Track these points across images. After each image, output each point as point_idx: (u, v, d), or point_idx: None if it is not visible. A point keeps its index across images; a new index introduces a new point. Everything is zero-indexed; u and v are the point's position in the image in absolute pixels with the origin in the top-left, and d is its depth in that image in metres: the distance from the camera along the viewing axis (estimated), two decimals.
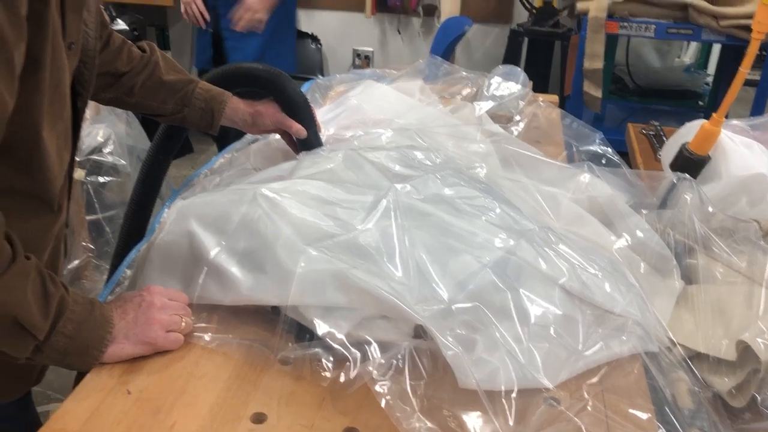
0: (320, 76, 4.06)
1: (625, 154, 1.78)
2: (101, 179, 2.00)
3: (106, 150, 1.97)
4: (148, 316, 0.83)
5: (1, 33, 0.68)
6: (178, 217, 0.95)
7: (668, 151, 1.50)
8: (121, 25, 2.60)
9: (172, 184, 1.31)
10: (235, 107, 1.22)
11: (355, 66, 4.09)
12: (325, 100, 1.53)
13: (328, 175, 0.99)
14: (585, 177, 1.13)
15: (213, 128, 1.22)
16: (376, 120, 1.36)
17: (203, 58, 2.83)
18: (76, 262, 1.97)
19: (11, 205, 0.79)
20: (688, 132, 1.45)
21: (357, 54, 4.07)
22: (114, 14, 2.73)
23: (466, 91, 1.50)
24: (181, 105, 1.19)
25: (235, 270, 0.85)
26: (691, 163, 1.38)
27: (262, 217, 0.86)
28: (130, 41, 1.20)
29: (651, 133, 1.95)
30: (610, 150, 1.26)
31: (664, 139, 1.85)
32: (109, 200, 2.05)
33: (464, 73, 1.52)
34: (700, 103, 3.66)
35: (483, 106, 1.40)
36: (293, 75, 3.31)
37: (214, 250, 0.87)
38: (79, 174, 1.94)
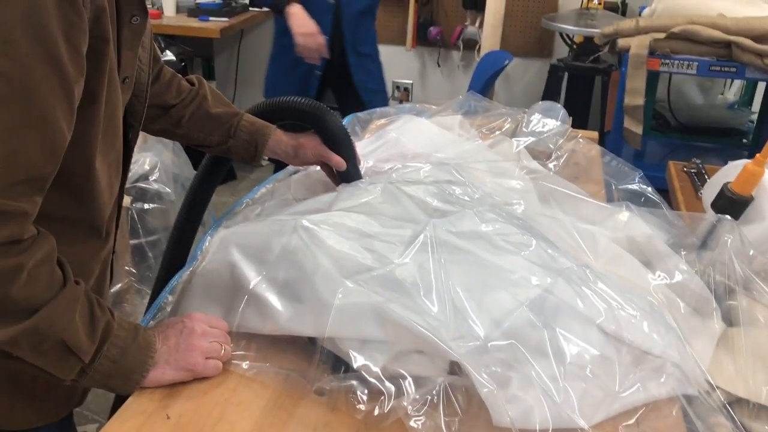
0: (360, 107, 4.11)
1: (665, 192, 1.76)
2: (146, 206, 2.06)
3: (152, 177, 2.03)
4: (188, 343, 0.85)
5: (63, 69, 0.72)
6: (219, 245, 0.98)
7: (710, 190, 1.48)
8: (169, 56, 2.69)
9: (213, 212, 1.34)
10: (278, 139, 1.26)
11: (394, 98, 4.13)
12: (365, 133, 1.55)
13: (366, 208, 1.01)
14: (624, 215, 1.13)
15: (256, 160, 1.26)
16: (415, 153, 1.38)
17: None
18: (119, 285, 2.02)
19: (62, 230, 0.83)
20: (731, 171, 1.43)
21: (397, 86, 4.12)
22: (163, 46, 2.82)
23: (505, 127, 1.51)
24: (226, 137, 1.22)
25: (274, 300, 0.86)
26: (732, 204, 1.36)
27: (302, 248, 0.88)
28: (179, 75, 1.24)
29: (692, 171, 1.92)
30: (649, 189, 1.25)
31: (706, 177, 1.82)
32: (152, 225, 2.11)
33: (503, 109, 1.53)
34: (744, 141, 3.60)
35: (522, 142, 1.41)
36: (334, 107, 3.37)
37: (254, 280, 0.89)
38: (125, 200, 2.00)
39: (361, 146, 1.42)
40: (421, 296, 0.82)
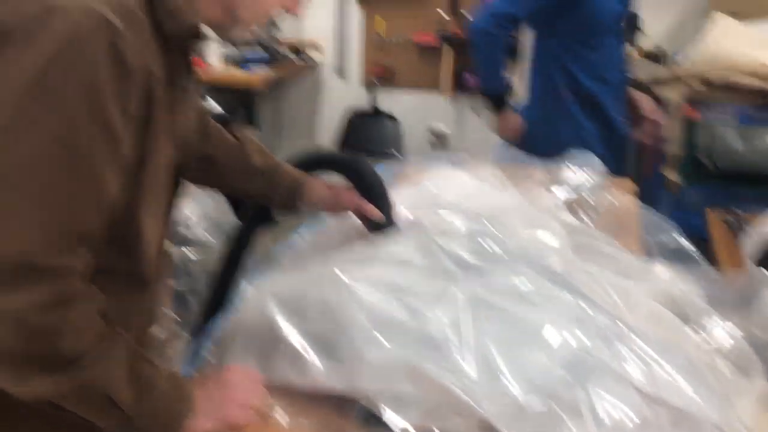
0: (395, 152, 4.14)
1: (705, 241, 1.74)
2: (187, 252, 2.11)
3: (194, 224, 2.08)
4: (226, 395, 0.87)
5: (113, 130, 0.75)
6: (257, 296, 1.00)
7: (751, 241, 1.46)
8: (214, 105, 2.77)
9: (252, 258, 1.38)
10: (316, 190, 1.29)
11: (430, 143, 4.18)
12: (400, 182, 1.58)
13: (400, 260, 1.02)
14: (661, 270, 1.12)
15: (295, 209, 1.29)
16: (450, 203, 1.39)
17: None
18: (159, 330, 2.05)
19: (108, 282, 0.85)
20: None
21: (433, 132, 4.17)
22: (207, 96, 2.92)
23: (539, 178, 1.52)
24: (266, 187, 1.26)
25: (309, 354, 0.88)
26: None
27: (337, 301, 0.90)
28: (223, 127, 1.29)
29: (732, 220, 1.90)
30: (685, 241, 1.24)
31: (747, 227, 1.80)
32: (193, 271, 2.15)
33: (537, 159, 1.54)
34: None
35: (556, 193, 1.41)
36: (372, 153, 3.39)
37: (290, 333, 0.90)
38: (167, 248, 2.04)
39: (396, 195, 1.45)
40: (453, 353, 0.82)
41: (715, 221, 1.92)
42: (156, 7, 0.83)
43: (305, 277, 0.99)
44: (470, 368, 0.81)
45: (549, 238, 1.19)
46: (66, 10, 0.71)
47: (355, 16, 4.05)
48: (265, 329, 0.94)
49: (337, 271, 0.95)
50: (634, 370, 0.85)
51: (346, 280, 0.93)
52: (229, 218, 2.22)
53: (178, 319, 2.10)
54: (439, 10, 3.84)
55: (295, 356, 0.89)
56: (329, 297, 0.92)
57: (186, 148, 1.01)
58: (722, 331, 1.03)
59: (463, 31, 3.81)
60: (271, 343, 0.93)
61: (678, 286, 1.09)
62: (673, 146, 2.81)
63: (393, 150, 4.17)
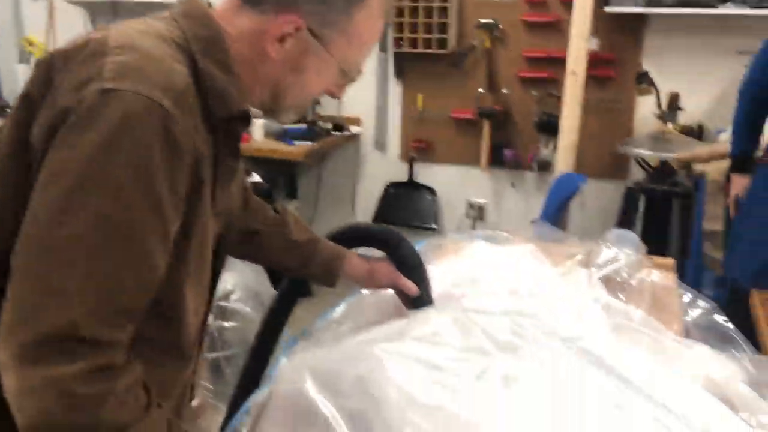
0: (433, 224, 4.16)
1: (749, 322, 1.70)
2: (226, 324, 2.14)
3: (233, 297, 2.12)
4: None
5: (163, 212, 0.79)
6: (294, 370, 1.01)
7: None
8: (255, 178, 2.85)
9: (289, 331, 1.40)
10: (354, 264, 1.31)
11: (468, 216, 4.20)
12: (437, 259, 1.59)
13: (437, 338, 1.03)
14: (702, 352, 1.10)
15: (332, 284, 1.31)
16: (486, 280, 1.40)
17: None
18: (195, 401, 2.06)
19: (149, 353, 0.87)
20: None
21: (471, 205, 4.19)
22: (249, 168, 3.01)
23: (577, 256, 1.52)
24: (305, 262, 1.29)
25: (344, 431, 0.88)
26: None
27: (373, 379, 0.90)
28: (264, 202, 1.33)
29: None
30: (727, 323, 1.22)
31: None
32: (230, 342, 2.17)
33: (575, 238, 1.55)
34: None
35: (594, 272, 1.41)
36: (409, 225, 3.41)
37: (326, 409, 0.91)
38: None
39: (433, 271, 1.46)
40: None
41: (759, 301, 1.87)
42: (206, 90, 0.88)
43: (341, 353, 1.00)
44: None
45: (586, 318, 1.18)
46: (120, 94, 0.76)
47: (396, 92, 4.17)
48: (300, 404, 0.95)
49: (374, 348, 0.96)
50: None
51: (382, 358, 0.94)
52: (267, 289, 2.26)
53: (214, 390, 2.11)
54: (479, 89, 3.93)
55: None
56: (365, 374, 0.92)
57: (228, 221, 1.05)
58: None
59: (501, 105, 3.89)
60: (305, 417, 0.93)
61: (719, 369, 1.07)
62: (716, 224, 2.77)
63: (431, 222, 4.20)
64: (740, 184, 2.40)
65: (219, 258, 1.06)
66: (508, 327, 1.05)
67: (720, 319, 1.24)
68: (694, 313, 1.27)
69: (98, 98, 0.76)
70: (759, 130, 2.41)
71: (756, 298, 1.90)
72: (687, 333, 1.25)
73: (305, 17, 0.92)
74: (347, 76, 1.01)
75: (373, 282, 1.32)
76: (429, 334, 1.05)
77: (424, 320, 1.11)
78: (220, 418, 1.65)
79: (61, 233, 0.74)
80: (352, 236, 1.37)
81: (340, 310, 1.41)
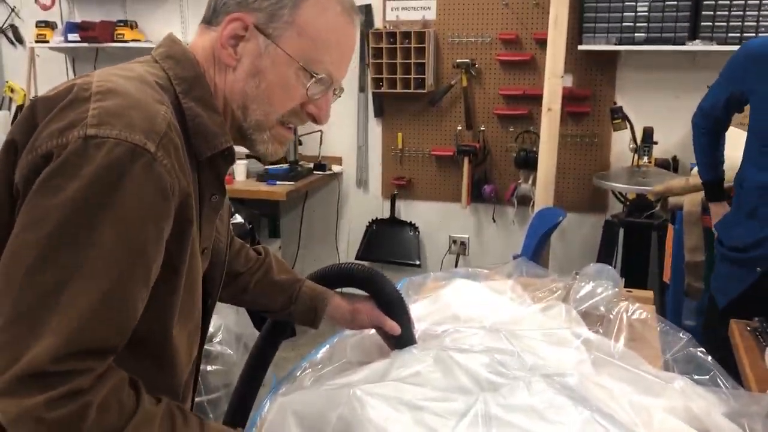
0: (418, 262, 4.17)
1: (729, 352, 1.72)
2: (209, 367, 2.12)
3: (216, 339, 2.11)
4: None
5: (146, 254, 0.80)
6: (277, 414, 1.01)
7: None
8: (238, 219, 2.86)
9: (274, 373, 1.40)
10: (336, 305, 1.32)
11: (451, 252, 4.22)
12: (418, 297, 1.60)
13: (419, 378, 1.04)
14: (680, 384, 1.11)
15: (315, 324, 1.32)
16: (468, 317, 1.41)
17: None
18: None
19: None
20: None
21: (453, 240, 4.22)
22: (233, 210, 3.03)
23: (557, 292, 1.54)
24: (288, 303, 1.30)
25: None
26: None
27: (355, 421, 0.91)
28: (247, 244, 1.34)
29: (756, 329, 1.87)
30: (701, 353, 1.24)
31: None
32: (213, 385, 2.15)
33: (554, 274, 1.57)
34: None
35: (574, 307, 1.43)
36: (393, 261, 3.41)
37: None
38: None
39: (415, 309, 1.47)
40: None
41: (738, 330, 1.89)
42: (190, 129, 0.90)
43: (324, 396, 1.00)
44: None
45: (566, 353, 1.19)
46: (102, 141, 0.77)
47: (376, 131, 4.23)
48: None
49: (356, 390, 0.97)
50: None
51: (364, 400, 0.94)
52: (250, 331, 2.25)
53: None
54: (458, 126, 4.00)
55: None
56: (347, 416, 0.93)
57: (217, 260, 1.06)
58: None
59: (479, 142, 3.95)
60: None
61: (698, 400, 1.08)
62: (696, 255, 2.81)
63: (415, 258, 4.22)
64: (718, 213, 2.43)
65: (210, 297, 1.06)
66: (490, 365, 1.06)
67: (698, 351, 1.26)
68: (673, 346, 1.28)
69: (81, 145, 0.76)
70: (719, 159, 2.45)
71: (735, 327, 1.92)
72: (666, 365, 1.27)
73: (251, 14, 0.92)
74: (323, 82, 0.96)
75: (355, 322, 1.33)
76: (411, 375, 1.06)
77: (406, 360, 1.12)
78: None
79: (42, 278, 0.75)
80: (334, 277, 1.38)
81: (323, 350, 1.41)
